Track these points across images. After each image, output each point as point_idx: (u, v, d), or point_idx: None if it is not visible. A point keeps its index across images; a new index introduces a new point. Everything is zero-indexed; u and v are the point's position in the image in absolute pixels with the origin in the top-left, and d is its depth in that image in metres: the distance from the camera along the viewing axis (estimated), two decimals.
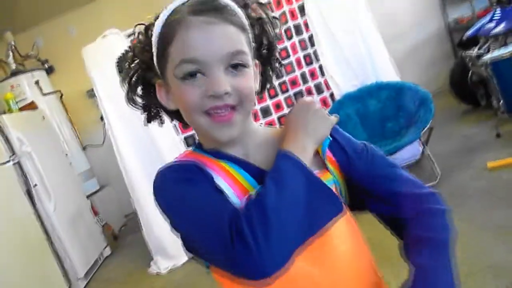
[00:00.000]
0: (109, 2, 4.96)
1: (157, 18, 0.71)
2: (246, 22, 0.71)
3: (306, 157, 0.68)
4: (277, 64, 0.81)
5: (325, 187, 0.69)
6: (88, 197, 4.37)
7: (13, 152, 3.30)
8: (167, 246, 3.17)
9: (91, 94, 4.51)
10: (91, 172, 4.85)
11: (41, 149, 3.57)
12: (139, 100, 0.80)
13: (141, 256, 3.54)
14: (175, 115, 0.79)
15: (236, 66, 0.67)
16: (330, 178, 0.74)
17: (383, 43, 3.33)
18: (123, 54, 0.78)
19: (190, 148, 0.80)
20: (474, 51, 3.57)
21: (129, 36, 3.25)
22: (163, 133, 3.15)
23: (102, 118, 3.37)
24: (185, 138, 3.32)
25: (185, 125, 0.80)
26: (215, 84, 0.65)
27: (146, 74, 0.75)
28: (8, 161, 3.21)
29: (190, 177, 0.69)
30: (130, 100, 0.79)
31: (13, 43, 4.74)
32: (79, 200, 4.03)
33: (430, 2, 5.10)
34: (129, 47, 0.77)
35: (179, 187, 0.68)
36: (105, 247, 4.13)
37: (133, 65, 0.76)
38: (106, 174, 4.90)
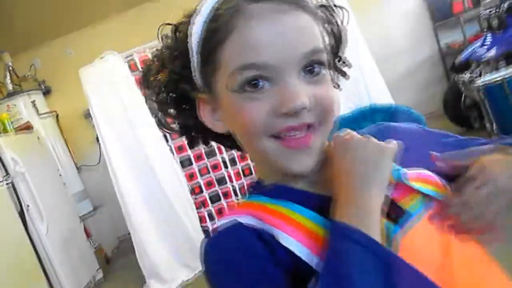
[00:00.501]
0: (107, 25, 5.02)
1: (190, 15, 0.54)
2: (316, 6, 0.54)
3: (372, 221, 0.48)
4: (342, 65, 0.62)
5: (413, 270, 0.47)
6: (81, 218, 4.31)
7: (6, 173, 3.27)
8: (160, 270, 3.12)
9: (87, 115, 4.51)
10: (85, 193, 4.81)
11: (35, 170, 3.54)
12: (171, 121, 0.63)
13: (134, 280, 3.47)
14: (225, 139, 0.60)
15: (312, 70, 0.51)
16: (418, 200, 0.55)
17: (376, 66, 3.39)
18: (148, 65, 0.57)
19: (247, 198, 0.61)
20: (466, 75, 3.63)
21: (127, 57, 3.29)
22: (158, 155, 3.15)
23: (97, 139, 3.36)
24: (181, 161, 3.32)
25: (241, 151, 0.61)
26: (290, 97, 0.48)
27: (180, 87, 0.57)
28: (1, 182, 3.18)
29: (241, 261, 0.51)
30: (162, 124, 0.62)
31: (10, 64, 4.77)
32: (72, 221, 3.98)
33: (422, 27, 5.22)
34: (154, 55, 0.59)
35: (228, 277, 0.51)
36: (97, 270, 4.05)
37: (160, 77, 0.57)
38: (100, 195, 4.85)
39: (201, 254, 0.55)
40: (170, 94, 0.59)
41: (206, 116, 0.57)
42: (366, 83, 3.38)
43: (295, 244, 0.50)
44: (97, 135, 3.32)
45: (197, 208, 3.35)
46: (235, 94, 0.50)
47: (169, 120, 0.62)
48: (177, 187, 3.24)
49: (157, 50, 0.60)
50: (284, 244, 0.49)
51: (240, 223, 0.53)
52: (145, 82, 0.61)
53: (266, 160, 0.54)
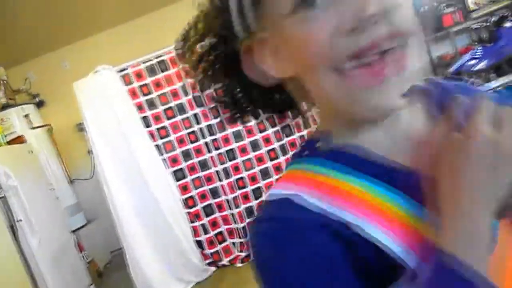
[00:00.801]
0: (102, 38, 5.04)
1: None
2: None
3: (485, 250, 0.37)
4: None
5: None
6: (74, 232, 4.27)
7: None
8: (154, 283, 3.09)
9: (80, 127, 4.50)
10: (78, 207, 4.77)
11: (27, 183, 3.51)
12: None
13: None
14: (277, 95, 0.51)
15: None
16: None
17: None
18: (183, 35, 0.44)
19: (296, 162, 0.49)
20: None
21: (121, 71, 3.30)
22: (151, 167, 3.14)
23: (90, 152, 3.36)
24: (174, 172, 3.32)
25: (294, 108, 0.53)
26: (357, 6, 0.37)
27: (228, 47, 0.47)
28: None
29: (303, 264, 0.40)
30: (212, 97, 0.52)
31: (5, 77, 4.76)
32: (64, 235, 3.94)
33: None
34: (193, 21, 0.50)
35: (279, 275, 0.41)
36: (90, 285, 4.00)
37: (204, 43, 0.48)
38: (94, 209, 4.81)
39: (250, 241, 0.44)
40: (215, 58, 0.48)
41: (252, 68, 0.47)
42: None
43: (386, 237, 0.38)
44: (90, 148, 3.31)
45: (190, 221, 3.33)
46: (289, 20, 0.41)
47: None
48: (170, 200, 3.23)
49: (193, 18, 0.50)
50: (369, 237, 0.38)
51: (294, 203, 0.42)
52: (187, 53, 0.51)
53: (330, 103, 0.43)
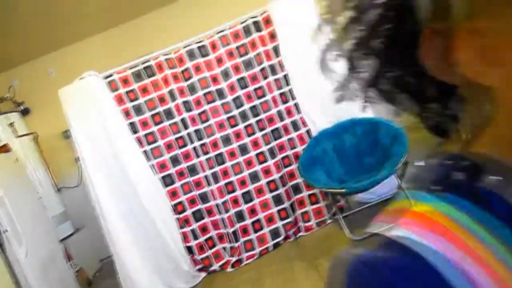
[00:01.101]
0: (88, 45, 5.00)
1: None
2: None
3: None
4: None
5: None
6: (62, 240, 4.21)
7: None
8: None
9: (66, 135, 4.45)
10: (65, 215, 4.71)
11: (14, 193, 3.46)
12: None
13: None
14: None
15: None
16: None
17: None
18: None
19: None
20: None
21: (107, 77, 3.28)
22: (139, 173, 3.12)
23: (77, 159, 3.32)
24: (163, 178, 3.30)
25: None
26: None
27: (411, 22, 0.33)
28: None
29: None
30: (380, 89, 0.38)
31: None
32: (52, 244, 3.88)
33: None
34: None
35: None
36: None
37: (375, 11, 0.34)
38: (82, 217, 4.75)
39: (344, 274, 0.31)
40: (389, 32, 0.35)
41: (461, 57, 0.32)
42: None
43: None
44: (77, 155, 3.28)
45: (180, 227, 3.31)
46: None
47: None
48: (159, 205, 3.21)
49: None
50: None
51: (434, 270, 0.28)
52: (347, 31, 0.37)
53: None
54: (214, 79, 3.43)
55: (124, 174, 3.09)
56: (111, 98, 3.26)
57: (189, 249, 3.34)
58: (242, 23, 3.45)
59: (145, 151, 3.30)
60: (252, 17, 3.44)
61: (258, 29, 3.44)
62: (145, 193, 3.11)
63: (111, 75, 3.33)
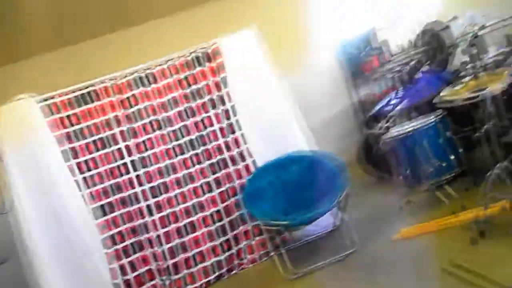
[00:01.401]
0: (24, 67, 4.77)
1: None
2: None
3: None
4: None
5: None
6: None
7: None
8: None
9: None
10: None
11: None
12: None
13: None
14: None
15: None
16: None
17: (300, 114, 3.58)
18: None
19: None
20: (378, 128, 3.88)
21: (42, 101, 3.16)
22: (70, 203, 3.02)
23: (5, 184, 3.12)
24: (93, 210, 3.15)
25: None
26: None
27: None
28: None
29: None
30: None
31: None
32: None
33: (337, 85, 5.68)
34: None
35: None
36: None
37: None
38: (8, 247, 4.38)
39: None
40: None
41: None
42: (290, 129, 3.55)
43: None
44: (6, 180, 3.08)
45: (116, 258, 3.15)
46: None
47: None
48: (88, 238, 3.07)
49: None
50: None
51: None
52: None
53: None
54: (162, 107, 3.39)
55: (55, 202, 2.96)
56: (44, 123, 3.12)
57: (128, 283, 3.16)
58: (191, 53, 3.49)
59: (84, 178, 3.16)
60: (202, 48, 3.51)
61: (208, 60, 3.50)
62: (74, 224, 3.00)
63: (52, 97, 3.19)
